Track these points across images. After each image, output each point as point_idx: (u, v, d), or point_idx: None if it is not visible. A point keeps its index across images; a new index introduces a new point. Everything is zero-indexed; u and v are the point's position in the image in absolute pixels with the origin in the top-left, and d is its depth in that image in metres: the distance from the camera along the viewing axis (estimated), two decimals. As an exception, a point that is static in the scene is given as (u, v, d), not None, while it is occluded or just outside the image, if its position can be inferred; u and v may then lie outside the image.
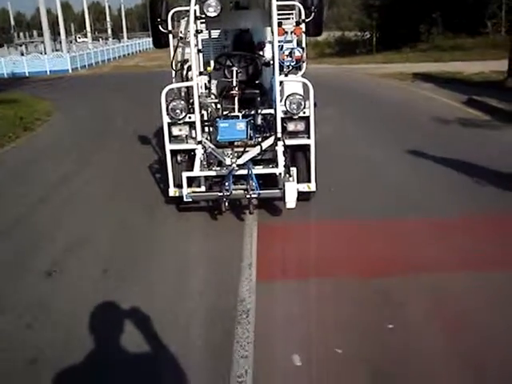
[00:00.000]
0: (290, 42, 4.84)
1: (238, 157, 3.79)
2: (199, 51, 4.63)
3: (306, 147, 4.05)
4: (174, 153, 4.11)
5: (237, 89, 4.15)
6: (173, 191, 4.12)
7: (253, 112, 4.21)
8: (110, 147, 7.15)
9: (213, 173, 4.00)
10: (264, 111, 4.24)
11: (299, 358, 2.40)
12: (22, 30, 57.26)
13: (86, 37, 44.74)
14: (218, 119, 3.99)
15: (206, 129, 4.25)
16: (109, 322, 2.82)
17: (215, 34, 5.00)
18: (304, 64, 4.71)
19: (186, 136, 4.07)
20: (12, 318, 2.91)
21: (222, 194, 3.76)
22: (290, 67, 4.41)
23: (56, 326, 2.79)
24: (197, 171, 3.90)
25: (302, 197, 4.01)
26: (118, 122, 9.22)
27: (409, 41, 19.04)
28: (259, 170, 3.96)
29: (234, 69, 4.21)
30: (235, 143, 3.95)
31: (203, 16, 3.88)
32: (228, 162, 3.73)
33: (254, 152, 3.89)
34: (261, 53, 4.77)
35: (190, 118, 4.00)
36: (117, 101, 11.73)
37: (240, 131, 3.77)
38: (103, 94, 13.35)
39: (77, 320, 2.80)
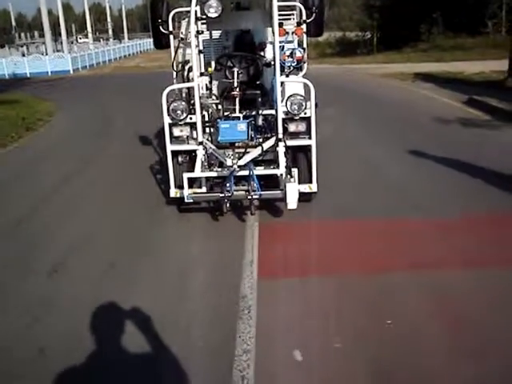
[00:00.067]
0: (291, 42, 4.83)
1: (239, 158, 3.78)
2: (200, 52, 4.63)
3: (307, 148, 4.05)
4: (175, 154, 4.11)
5: (238, 89, 4.14)
6: (174, 192, 4.11)
7: (254, 113, 4.21)
8: (112, 148, 7.16)
9: (214, 174, 4.00)
10: (265, 112, 4.24)
11: (300, 353, 2.43)
12: (23, 31, 57.37)
13: (87, 37, 44.85)
14: (218, 120, 3.99)
15: (207, 130, 4.25)
16: (115, 314, 2.86)
17: (216, 34, 4.99)
18: (305, 64, 4.71)
19: (187, 137, 4.07)
20: (16, 315, 2.94)
21: (223, 195, 3.76)
22: (291, 68, 4.41)
23: (59, 324, 2.82)
24: (198, 172, 3.90)
25: (304, 197, 4.01)
26: (119, 122, 9.24)
27: (409, 41, 19.04)
28: (260, 170, 3.96)
29: (235, 69, 4.21)
30: (236, 144, 3.94)
31: (204, 17, 3.88)
32: (229, 162, 3.73)
33: (255, 153, 3.88)
34: (262, 53, 4.77)
35: (190, 118, 4.00)
36: (118, 101, 11.74)
37: (241, 132, 3.76)
38: (104, 95, 13.36)
39: (80, 318, 2.82)
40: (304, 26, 4.36)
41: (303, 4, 4.29)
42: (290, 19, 5.15)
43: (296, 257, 3.49)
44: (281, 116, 3.85)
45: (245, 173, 3.82)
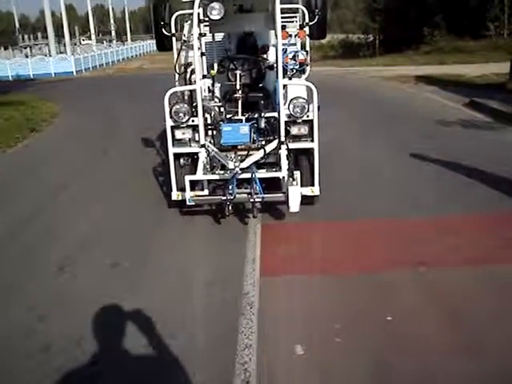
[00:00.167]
0: (294, 45, 4.83)
1: (242, 160, 3.77)
2: (203, 54, 4.63)
3: (310, 151, 4.03)
4: (177, 156, 4.10)
5: (240, 92, 4.14)
6: (176, 195, 4.10)
7: (256, 115, 4.20)
8: (115, 149, 7.18)
9: (216, 176, 3.99)
10: (267, 114, 4.23)
11: (301, 347, 2.49)
12: (27, 33, 57.55)
13: (90, 39, 44.96)
14: (221, 123, 3.98)
15: (210, 132, 4.24)
16: (120, 310, 2.91)
17: (219, 37, 4.99)
18: (308, 67, 4.69)
19: (190, 139, 4.06)
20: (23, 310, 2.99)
21: (225, 197, 3.75)
22: (294, 70, 4.40)
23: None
24: (200, 175, 3.89)
25: (306, 201, 3.99)
26: (123, 123, 9.30)
27: (412, 43, 19.03)
28: (262, 173, 3.95)
29: (238, 72, 4.20)
30: (238, 147, 3.93)
31: (207, 19, 3.88)
32: (231, 165, 3.71)
33: (257, 156, 3.87)
34: (264, 56, 4.76)
35: (193, 121, 3.99)
36: (121, 103, 11.76)
37: (243, 135, 3.75)
38: (107, 96, 13.40)
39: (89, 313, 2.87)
40: (307, 29, 4.34)
41: (306, 7, 4.28)
42: (292, 22, 5.14)
43: (297, 255, 3.54)
44: (283, 119, 3.84)
45: (247, 175, 3.81)
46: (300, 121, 3.93)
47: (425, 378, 2.30)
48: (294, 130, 3.96)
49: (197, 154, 4.01)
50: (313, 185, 4.06)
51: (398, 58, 18.05)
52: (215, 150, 3.96)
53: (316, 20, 4.14)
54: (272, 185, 4.04)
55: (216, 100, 4.45)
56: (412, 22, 19.15)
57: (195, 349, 2.54)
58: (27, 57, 28.71)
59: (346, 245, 3.70)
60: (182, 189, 4.01)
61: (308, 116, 3.93)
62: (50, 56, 26.56)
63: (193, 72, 4.45)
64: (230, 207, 3.76)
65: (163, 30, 4.30)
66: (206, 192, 4.07)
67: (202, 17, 4.00)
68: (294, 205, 3.64)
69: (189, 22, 4.75)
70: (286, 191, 3.69)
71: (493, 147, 6.02)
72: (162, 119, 4.06)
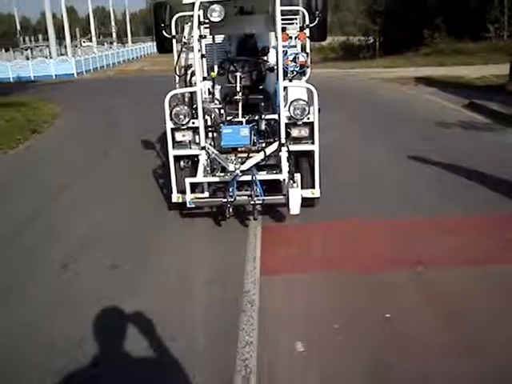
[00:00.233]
0: (294, 47, 4.82)
1: (242, 162, 3.76)
2: (203, 56, 4.62)
3: (310, 153, 4.02)
4: (177, 158, 4.10)
5: (240, 94, 4.14)
6: (176, 197, 4.09)
7: (257, 117, 4.20)
8: (115, 151, 7.18)
9: (216, 179, 3.98)
10: (268, 117, 4.23)
11: (301, 344, 2.53)
12: (28, 35, 57.63)
13: (91, 41, 45.02)
14: (221, 125, 3.97)
15: (210, 134, 4.24)
16: (122, 308, 2.95)
17: (219, 39, 4.99)
18: (308, 69, 4.69)
19: (190, 141, 4.05)
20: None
21: (225, 200, 3.74)
22: (294, 72, 4.39)
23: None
24: (200, 177, 3.88)
25: (307, 203, 3.98)
26: (123, 125, 9.32)
27: (412, 45, 19.04)
28: (263, 175, 3.94)
29: (238, 74, 4.20)
30: (239, 149, 3.93)
31: (207, 21, 3.87)
32: (231, 168, 3.71)
33: (257, 158, 3.86)
34: (265, 58, 4.75)
35: (193, 123, 3.99)
36: (121, 104, 11.80)
37: (243, 137, 3.75)
38: (108, 98, 13.41)
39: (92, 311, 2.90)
40: (307, 31, 4.34)
41: (306, 9, 4.28)
42: (293, 24, 5.14)
43: (297, 256, 3.57)
44: (284, 121, 3.84)
45: (247, 178, 3.80)
46: (300, 123, 3.92)
47: (421, 375, 2.31)
48: (295, 132, 3.96)
49: (197, 156, 4.00)
50: (313, 187, 4.05)
51: (398, 59, 18.06)
52: (215, 152, 3.96)
53: (316, 22, 4.14)
54: (272, 187, 4.03)
55: (216, 102, 4.45)
56: (412, 24, 19.16)
57: (196, 345, 2.58)
58: (28, 59, 28.76)
59: (346, 245, 3.72)
60: (182, 191, 4.00)
61: (308, 118, 3.92)
62: (51, 58, 26.61)
63: (193, 74, 4.44)
64: (231, 209, 3.75)
65: (163, 31, 4.29)
66: (206, 194, 4.06)
67: (202, 19, 3.99)
68: (295, 207, 3.63)
69: (189, 23, 4.75)
70: (287, 193, 3.68)
71: (493, 149, 6.02)
72: (162, 121, 4.06)
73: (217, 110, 4.28)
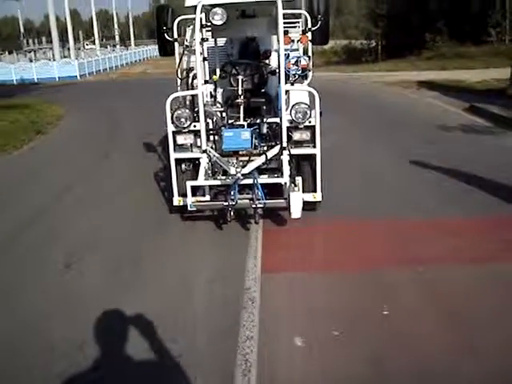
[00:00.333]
0: (296, 50, 4.82)
1: (243, 166, 3.75)
2: (205, 59, 4.61)
3: (312, 156, 4.01)
4: (178, 161, 4.09)
5: (242, 97, 4.13)
6: (177, 200, 4.08)
7: (258, 121, 4.18)
8: (117, 153, 7.22)
9: (217, 182, 3.97)
10: (269, 120, 4.21)
11: (300, 339, 2.59)
12: (31, 37, 57.98)
13: (94, 44, 45.22)
14: (223, 128, 3.96)
15: (211, 137, 4.23)
16: (126, 305, 3.00)
17: (221, 42, 4.99)
18: (310, 73, 4.67)
19: (191, 145, 4.04)
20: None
21: (227, 203, 3.73)
22: (296, 76, 4.38)
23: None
24: (201, 180, 3.87)
25: (308, 207, 3.97)
26: (125, 127, 9.38)
27: (414, 49, 19.05)
28: (264, 179, 3.93)
29: (240, 77, 4.19)
30: (240, 152, 3.91)
31: (209, 24, 3.87)
32: (233, 171, 3.69)
33: (259, 161, 3.85)
34: (267, 61, 4.75)
35: (194, 126, 3.98)
36: (124, 107, 11.84)
37: (245, 140, 3.74)
38: (111, 100, 13.46)
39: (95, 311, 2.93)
40: (309, 34, 4.33)
41: (309, 12, 4.27)
42: (295, 27, 5.14)
43: (298, 258, 3.60)
44: (285, 124, 3.82)
45: (249, 181, 3.79)
46: (302, 126, 3.91)
47: (418, 372, 2.35)
48: (296, 136, 3.94)
49: (198, 159, 3.99)
50: (315, 191, 4.03)
51: (400, 63, 18.07)
52: (217, 155, 3.94)
53: (318, 25, 4.12)
54: (274, 191, 4.02)
55: (218, 105, 4.44)
56: (414, 28, 19.19)
57: (198, 341, 2.64)
58: (31, 61, 28.87)
59: (346, 245, 3.76)
60: (183, 194, 3.99)
61: (310, 122, 3.90)
62: (54, 60, 26.69)
63: (195, 77, 4.44)
64: (232, 213, 3.74)
65: (165, 34, 4.29)
66: (207, 197, 4.05)
67: (204, 22, 3.99)
68: (296, 211, 3.62)
69: (191, 26, 4.75)
70: (288, 197, 3.67)
71: (493, 152, 6.06)
72: (164, 124, 4.06)
73: (218, 113, 4.27)
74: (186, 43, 4.64)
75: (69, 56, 30.48)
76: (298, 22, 5.16)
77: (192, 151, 4.06)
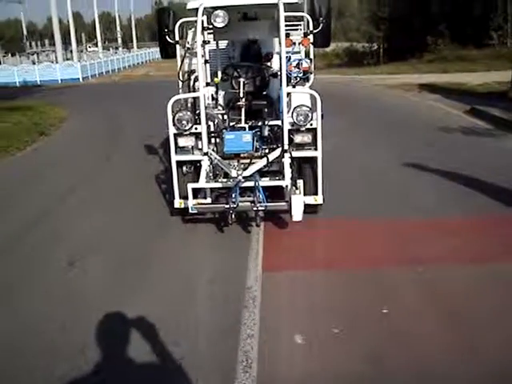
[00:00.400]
0: (298, 53, 4.81)
1: (245, 168, 3.74)
2: (206, 62, 4.61)
3: (313, 159, 4.00)
4: (179, 164, 4.08)
5: (244, 100, 4.13)
6: (178, 203, 4.07)
7: (260, 123, 4.18)
8: (119, 155, 7.26)
9: (219, 184, 3.96)
10: (271, 123, 4.21)
11: (301, 336, 2.64)
12: (34, 40, 58.15)
13: (97, 46, 45.35)
14: (224, 130, 3.96)
15: (213, 140, 4.22)
16: (130, 302, 3.08)
17: (223, 44, 4.99)
18: (312, 75, 4.67)
19: (192, 147, 4.04)
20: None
21: (228, 206, 3.72)
22: (298, 78, 4.38)
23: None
24: (202, 183, 3.87)
25: (309, 209, 3.96)
26: (127, 129, 9.41)
27: (416, 52, 19.05)
28: (265, 182, 3.92)
29: (242, 80, 4.19)
30: (241, 155, 3.91)
31: (211, 27, 3.87)
32: (234, 174, 3.68)
33: (260, 164, 3.84)
34: (268, 64, 4.75)
35: (196, 128, 3.98)
36: (126, 109, 11.87)
37: (246, 143, 3.73)
38: (113, 103, 13.51)
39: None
40: (311, 37, 4.32)
41: (310, 15, 4.27)
42: (297, 30, 5.13)
43: (299, 257, 3.65)
44: (287, 127, 3.82)
45: (250, 184, 3.78)
46: (303, 129, 3.91)
47: (416, 371, 2.38)
48: (298, 139, 3.94)
49: (200, 161, 3.99)
50: (316, 193, 4.02)
51: (402, 66, 18.07)
52: (218, 157, 3.94)
53: (320, 28, 4.12)
54: (275, 193, 4.01)
55: (219, 108, 4.44)
56: (416, 31, 19.19)
57: (200, 338, 2.70)
58: (34, 63, 28.97)
59: (347, 245, 3.80)
60: (184, 197, 3.99)
61: (311, 124, 3.90)
62: (57, 63, 26.78)
63: (196, 79, 4.44)
64: (233, 216, 3.73)
65: (167, 37, 4.29)
66: (208, 200, 4.04)
67: (206, 24, 3.99)
68: (297, 213, 3.61)
69: (193, 29, 4.75)
70: (289, 200, 3.66)
71: (493, 154, 6.09)
72: (166, 126, 4.06)
73: (220, 116, 4.27)
74: (187, 46, 4.63)
75: (71, 58, 30.59)
76: (300, 25, 5.15)
77: (193, 154, 4.06)
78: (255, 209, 3.73)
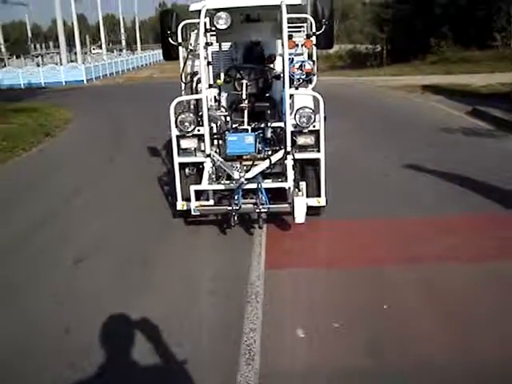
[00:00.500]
0: (301, 54, 4.81)
1: (247, 170, 3.74)
2: (209, 64, 4.62)
3: (316, 161, 3.99)
4: (182, 166, 4.08)
5: (246, 102, 4.13)
6: (181, 205, 4.07)
7: (262, 125, 4.18)
8: (122, 156, 7.29)
9: (221, 186, 3.95)
10: (274, 124, 4.20)
11: (302, 331, 2.70)
12: (39, 42, 58.50)
13: (101, 48, 45.58)
14: (227, 132, 3.96)
15: (215, 142, 4.22)
16: (135, 298, 3.14)
17: (225, 46, 4.99)
18: (314, 77, 4.67)
19: (195, 149, 4.04)
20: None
21: (230, 208, 3.71)
22: (301, 80, 4.38)
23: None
24: (205, 185, 3.86)
25: (312, 211, 3.94)
26: (130, 131, 9.45)
27: (419, 53, 19.02)
28: (268, 183, 3.91)
29: (244, 82, 4.20)
30: (244, 157, 3.91)
31: (213, 28, 3.88)
32: (236, 175, 3.68)
33: (262, 166, 3.84)
34: (271, 66, 4.75)
35: (198, 130, 3.97)
36: (129, 111, 11.91)
37: (248, 145, 3.73)
38: (117, 104, 13.56)
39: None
40: (314, 39, 4.32)
41: (313, 16, 4.26)
42: (299, 31, 5.14)
43: (300, 258, 3.68)
44: (289, 129, 3.81)
45: (253, 186, 3.77)
46: (306, 131, 3.90)
47: (414, 364, 2.43)
48: (301, 140, 3.93)
49: (202, 163, 3.98)
50: (319, 195, 4.01)
51: (405, 67, 18.03)
52: (221, 159, 3.94)
53: (323, 30, 4.11)
54: (278, 195, 4.00)
55: (222, 109, 4.44)
56: (419, 33, 19.15)
57: (204, 332, 2.76)
58: (39, 65, 29.15)
59: (347, 244, 3.82)
60: (187, 199, 3.98)
61: (314, 126, 3.89)
62: (61, 65, 26.94)
63: (199, 81, 4.44)
64: (236, 217, 3.73)
65: (170, 39, 4.30)
66: (211, 202, 4.03)
67: (208, 26, 4.00)
68: (300, 215, 3.60)
69: (195, 31, 4.75)
70: (292, 202, 3.65)
71: (495, 155, 6.10)
72: (168, 128, 4.06)
73: (222, 118, 4.27)
74: (190, 47, 4.64)
75: (76, 60, 30.75)
76: (303, 27, 5.16)
77: (196, 155, 4.05)
78: (258, 211, 3.72)
